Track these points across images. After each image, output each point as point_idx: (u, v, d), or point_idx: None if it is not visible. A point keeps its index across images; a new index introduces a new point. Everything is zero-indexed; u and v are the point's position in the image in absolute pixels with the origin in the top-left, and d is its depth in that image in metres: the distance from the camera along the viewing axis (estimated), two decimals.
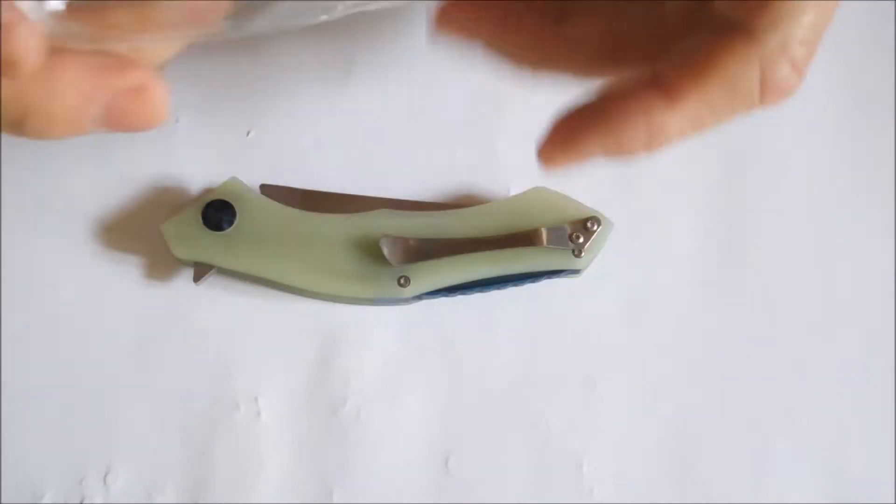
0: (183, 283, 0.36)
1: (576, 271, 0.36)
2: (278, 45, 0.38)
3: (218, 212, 0.36)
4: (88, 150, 0.37)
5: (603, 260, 0.37)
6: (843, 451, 0.37)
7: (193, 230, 0.35)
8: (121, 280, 0.36)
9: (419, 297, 0.36)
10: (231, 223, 0.36)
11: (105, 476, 0.35)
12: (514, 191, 0.37)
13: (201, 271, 0.36)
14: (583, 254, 0.36)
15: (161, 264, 0.36)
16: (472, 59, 0.39)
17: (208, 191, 0.36)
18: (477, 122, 0.38)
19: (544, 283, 0.37)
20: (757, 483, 0.37)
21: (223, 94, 0.36)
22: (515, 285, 0.37)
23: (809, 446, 0.37)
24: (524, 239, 0.36)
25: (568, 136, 0.26)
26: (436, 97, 0.38)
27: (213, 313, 0.37)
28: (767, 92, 0.26)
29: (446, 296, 0.36)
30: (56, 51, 0.23)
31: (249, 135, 0.38)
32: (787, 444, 0.37)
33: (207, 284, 0.36)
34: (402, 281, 0.36)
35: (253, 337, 0.37)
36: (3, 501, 0.35)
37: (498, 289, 0.37)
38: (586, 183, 0.38)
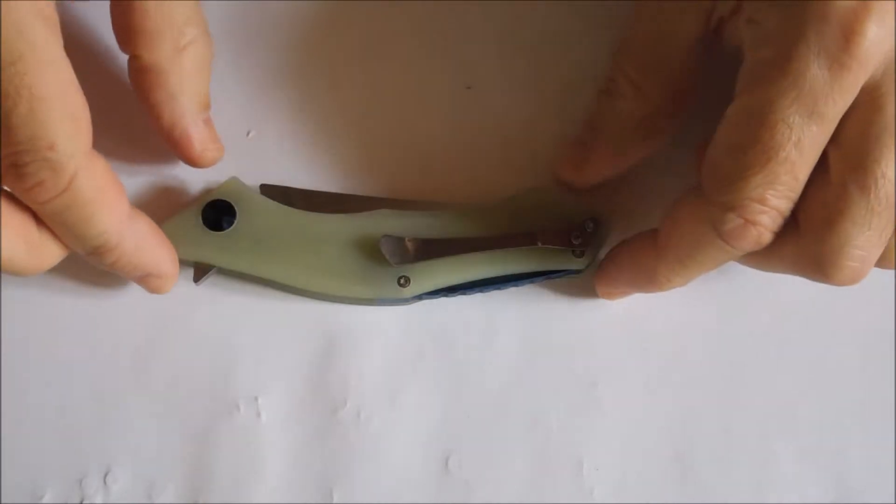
0: (183, 283, 0.36)
1: (576, 271, 0.36)
2: (278, 46, 0.38)
3: (218, 212, 0.36)
4: None
5: None
6: (843, 451, 0.37)
7: (193, 230, 0.35)
8: (121, 280, 0.36)
9: (419, 297, 0.36)
10: (231, 223, 0.36)
11: (105, 476, 0.35)
12: (514, 191, 0.37)
13: (201, 271, 0.36)
14: (583, 254, 0.36)
15: None
16: (470, 57, 0.39)
17: (208, 191, 0.36)
18: (476, 122, 0.38)
19: (544, 283, 0.37)
20: (757, 483, 0.37)
21: (223, 94, 0.36)
22: (515, 285, 0.37)
23: (809, 447, 0.37)
24: (524, 239, 0.36)
25: (610, 279, 0.36)
26: (435, 97, 0.38)
27: (213, 313, 0.37)
28: (728, 241, 0.31)
29: (446, 296, 0.36)
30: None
31: (249, 135, 0.38)
32: (788, 445, 0.37)
33: (207, 284, 0.36)
34: (402, 281, 0.36)
35: (253, 337, 0.37)
36: (3, 501, 0.35)
37: (498, 289, 0.37)
38: None
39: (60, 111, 0.28)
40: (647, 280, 0.34)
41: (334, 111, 0.38)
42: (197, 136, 0.34)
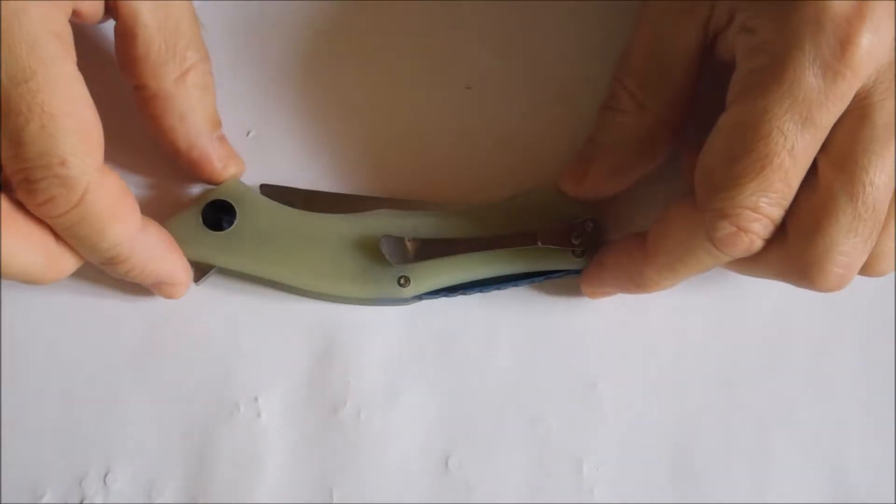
0: None
1: (576, 271, 0.36)
2: (278, 46, 0.38)
3: (218, 212, 0.36)
4: None
5: None
6: (843, 451, 0.37)
7: (193, 230, 0.35)
8: (121, 279, 0.36)
9: (419, 297, 0.36)
10: (231, 223, 0.36)
11: (105, 476, 0.35)
12: (514, 191, 0.37)
13: (201, 271, 0.36)
14: (583, 254, 0.36)
15: None
16: (470, 57, 0.39)
17: (208, 191, 0.36)
18: (476, 122, 0.38)
19: (544, 283, 0.37)
20: (756, 483, 0.37)
21: (223, 94, 0.36)
22: (515, 285, 0.37)
23: (809, 447, 0.37)
24: (524, 239, 0.36)
25: (596, 279, 0.36)
26: (435, 97, 0.38)
27: (213, 313, 0.37)
28: (719, 248, 0.31)
29: (446, 296, 0.36)
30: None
31: (249, 135, 0.38)
32: (787, 445, 0.37)
33: (207, 284, 0.36)
34: (402, 281, 0.36)
35: (253, 337, 0.37)
36: (3, 501, 0.35)
37: (498, 289, 0.37)
38: None
39: (72, 128, 0.29)
40: (635, 282, 0.34)
41: (334, 111, 0.38)
42: (215, 153, 0.35)
